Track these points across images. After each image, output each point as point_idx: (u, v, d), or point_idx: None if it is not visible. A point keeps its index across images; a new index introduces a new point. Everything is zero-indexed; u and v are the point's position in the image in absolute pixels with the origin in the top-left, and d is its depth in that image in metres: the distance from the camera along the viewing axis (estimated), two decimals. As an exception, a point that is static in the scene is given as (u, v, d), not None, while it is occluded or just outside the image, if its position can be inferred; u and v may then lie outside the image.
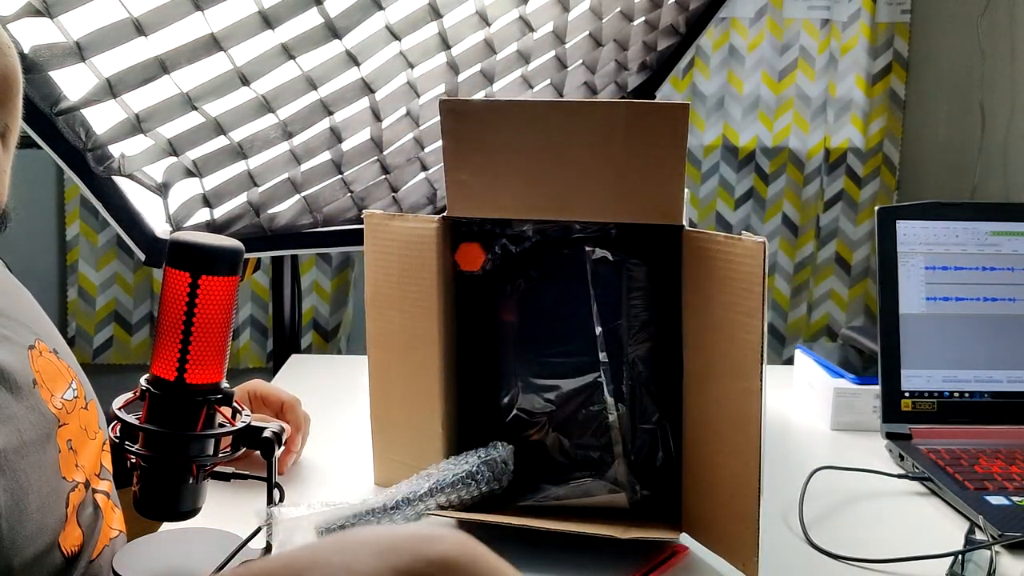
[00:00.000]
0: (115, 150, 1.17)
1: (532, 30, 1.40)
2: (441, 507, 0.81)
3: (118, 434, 0.70)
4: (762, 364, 0.72)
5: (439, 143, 0.86)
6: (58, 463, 0.75)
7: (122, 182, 1.21)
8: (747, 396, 0.74)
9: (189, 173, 1.22)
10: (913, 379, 1.10)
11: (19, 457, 0.69)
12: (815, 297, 2.34)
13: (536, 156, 0.81)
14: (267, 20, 1.13)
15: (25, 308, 0.80)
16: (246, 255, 0.70)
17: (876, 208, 1.12)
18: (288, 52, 1.18)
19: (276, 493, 0.77)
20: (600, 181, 0.80)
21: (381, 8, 1.21)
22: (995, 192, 1.83)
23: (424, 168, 1.45)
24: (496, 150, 0.82)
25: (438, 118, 0.85)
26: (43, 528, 0.70)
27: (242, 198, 1.29)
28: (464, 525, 0.84)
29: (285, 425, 0.96)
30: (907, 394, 1.09)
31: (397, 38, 1.26)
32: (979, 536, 0.85)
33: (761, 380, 0.72)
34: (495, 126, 0.82)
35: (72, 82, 1.09)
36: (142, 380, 0.70)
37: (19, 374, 0.72)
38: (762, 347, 0.72)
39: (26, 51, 1.02)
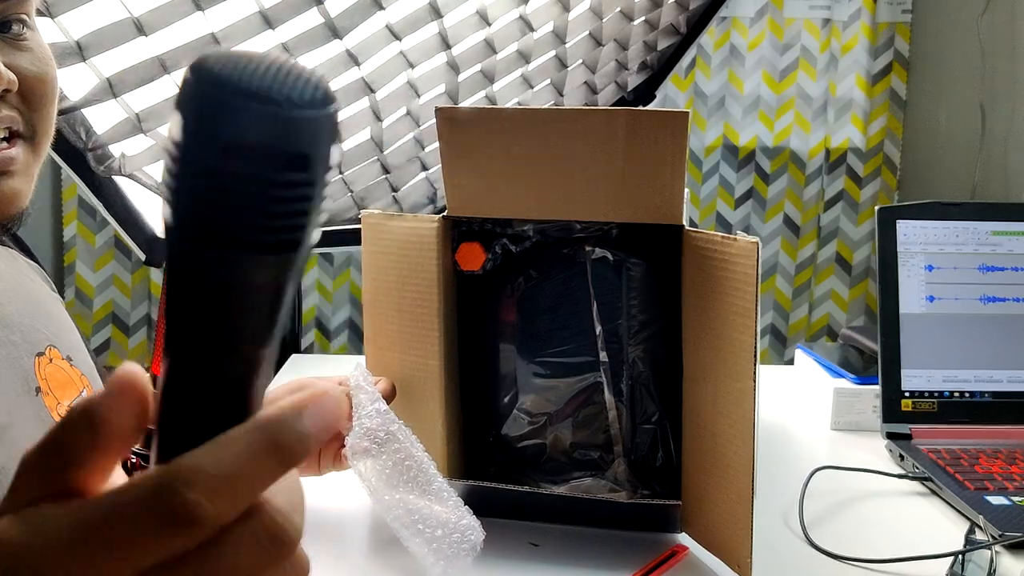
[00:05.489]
0: (115, 150, 1.17)
1: (532, 30, 1.40)
2: None
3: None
4: (755, 364, 0.72)
5: (439, 143, 0.86)
6: None
7: (122, 182, 1.21)
8: (741, 396, 0.74)
9: (189, 173, 1.22)
10: (913, 379, 1.10)
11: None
12: (816, 297, 2.34)
13: (535, 163, 0.81)
14: (267, 20, 1.13)
15: (41, 314, 0.80)
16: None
17: (876, 208, 1.12)
18: (288, 52, 1.18)
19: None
20: (600, 185, 0.80)
21: (381, 8, 1.21)
22: (995, 192, 1.83)
23: (424, 168, 1.46)
24: (494, 157, 0.82)
25: (438, 118, 0.85)
26: None
27: (242, 198, 1.29)
28: (477, 493, 0.83)
29: None
30: (907, 394, 1.09)
31: (397, 38, 1.26)
32: (979, 536, 0.85)
33: (754, 380, 0.72)
34: (493, 133, 0.82)
35: (72, 82, 1.10)
36: (142, 380, 0.70)
37: (17, 382, 0.72)
38: (755, 347, 0.72)
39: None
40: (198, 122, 0.29)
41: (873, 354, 1.19)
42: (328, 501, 0.91)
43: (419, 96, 1.36)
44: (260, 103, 0.28)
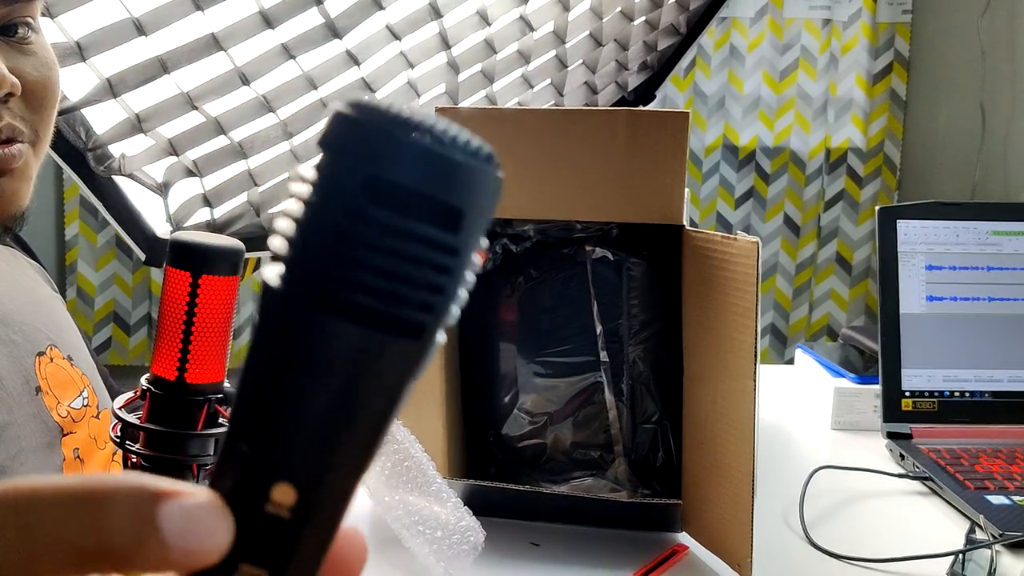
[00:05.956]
0: (115, 150, 1.17)
1: (532, 30, 1.40)
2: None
3: (119, 434, 0.70)
4: (755, 364, 0.72)
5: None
6: (61, 472, 0.75)
7: (122, 182, 1.22)
8: (741, 396, 0.74)
9: (189, 173, 1.22)
10: (914, 378, 1.10)
11: (17, 464, 0.69)
12: (816, 297, 2.34)
13: (535, 163, 0.81)
14: (267, 20, 1.13)
15: (43, 313, 0.80)
16: (246, 255, 0.70)
17: (877, 208, 1.12)
18: (288, 52, 1.18)
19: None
20: (600, 185, 0.81)
21: (381, 8, 1.21)
22: (995, 192, 1.83)
23: (424, 168, 1.46)
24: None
25: (438, 118, 0.85)
26: None
27: (242, 198, 1.30)
28: (478, 493, 0.83)
29: None
30: (908, 393, 1.09)
31: (397, 38, 1.26)
32: (980, 535, 0.85)
33: (754, 380, 0.72)
34: (493, 134, 0.82)
35: (73, 82, 1.10)
36: (143, 380, 0.70)
37: (18, 381, 0.72)
38: (755, 347, 0.72)
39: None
40: (348, 154, 0.23)
41: (873, 354, 1.19)
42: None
43: (419, 96, 1.36)
44: (423, 135, 0.23)
